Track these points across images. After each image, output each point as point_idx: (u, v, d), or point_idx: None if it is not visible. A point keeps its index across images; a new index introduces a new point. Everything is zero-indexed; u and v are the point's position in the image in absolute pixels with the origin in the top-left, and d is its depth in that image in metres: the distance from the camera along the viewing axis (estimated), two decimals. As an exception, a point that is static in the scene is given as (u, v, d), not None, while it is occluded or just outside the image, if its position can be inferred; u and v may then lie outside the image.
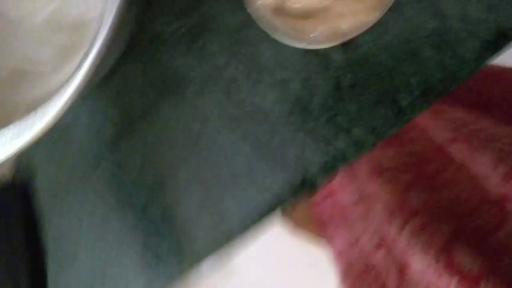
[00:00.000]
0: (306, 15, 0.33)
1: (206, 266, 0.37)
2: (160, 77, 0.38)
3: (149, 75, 0.39)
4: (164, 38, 0.38)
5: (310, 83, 0.37)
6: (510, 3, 0.35)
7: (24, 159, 0.43)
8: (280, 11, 0.33)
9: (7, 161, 0.34)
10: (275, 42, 0.38)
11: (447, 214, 0.38)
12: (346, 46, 0.37)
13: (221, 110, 0.38)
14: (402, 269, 0.38)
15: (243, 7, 0.38)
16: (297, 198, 0.36)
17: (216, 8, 0.38)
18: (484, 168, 0.38)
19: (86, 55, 0.26)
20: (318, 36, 0.32)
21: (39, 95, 0.36)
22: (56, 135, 0.40)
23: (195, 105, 0.38)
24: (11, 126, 0.29)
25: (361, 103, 0.37)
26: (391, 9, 0.36)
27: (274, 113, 0.38)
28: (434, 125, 0.46)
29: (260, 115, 0.38)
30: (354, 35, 0.31)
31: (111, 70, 0.37)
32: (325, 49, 0.37)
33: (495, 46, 0.36)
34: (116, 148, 0.39)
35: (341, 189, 0.51)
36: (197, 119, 0.38)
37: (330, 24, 0.32)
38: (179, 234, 0.39)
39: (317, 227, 0.55)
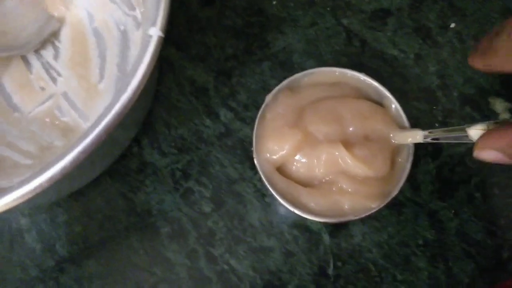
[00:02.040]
0: (308, 182, 0.32)
1: None
2: (139, 206, 0.36)
3: (127, 201, 0.36)
4: (154, 169, 0.37)
5: (293, 259, 0.35)
6: (507, 232, 0.35)
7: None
8: (284, 170, 0.32)
9: None
10: (267, 206, 0.36)
11: None
12: (339, 230, 0.35)
13: (190, 261, 0.35)
14: None
15: (243, 160, 0.37)
16: None
17: (218, 154, 0.37)
18: None
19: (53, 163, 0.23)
20: (315, 207, 0.30)
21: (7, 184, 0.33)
22: (7, 233, 0.36)
23: (166, 246, 0.35)
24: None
25: (344, 298, 0.34)
26: (390, 206, 0.36)
27: (246, 282, 0.34)
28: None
29: (232, 279, 0.35)
30: (352, 217, 0.30)
31: (87, 185, 0.35)
32: (317, 226, 0.35)
33: (492, 277, 0.35)
34: (66, 270, 0.35)
35: None
36: (161, 265, 0.35)
37: (330, 198, 0.31)
38: None
39: None
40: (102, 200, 0.36)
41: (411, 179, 0.36)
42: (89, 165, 0.31)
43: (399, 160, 0.31)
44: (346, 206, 0.31)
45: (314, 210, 0.31)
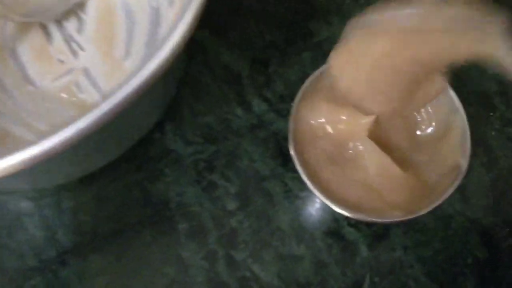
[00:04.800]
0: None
1: None
2: (156, 198, 0.33)
3: (143, 191, 0.33)
4: (176, 158, 0.33)
5: (325, 270, 0.31)
6: None
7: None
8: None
9: None
10: (299, 208, 0.33)
11: None
12: (379, 242, 0.32)
13: (209, 263, 0.31)
14: None
15: (275, 155, 0.33)
16: None
17: (248, 146, 0.34)
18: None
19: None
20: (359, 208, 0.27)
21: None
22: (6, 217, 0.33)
23: (182, 245, 0.32)
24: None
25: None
26: (437, 218, 0.32)
27: (271, 291, 0.31)
28: None
29: (253, 287, 0.31)
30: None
31: (100, 170, 0.32)
32: (354, 236, 0.32)
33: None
34: (68, 263, 0.31)
35: None
36: (176, 265, 0.31)
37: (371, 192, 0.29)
38: None
39: None
40: (115, 188, 0.33)
41: (462, 189, 0.33)
42: (102, 143, 0.28)
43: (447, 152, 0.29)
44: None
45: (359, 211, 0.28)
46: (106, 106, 0.21)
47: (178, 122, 0.34)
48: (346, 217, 0.32)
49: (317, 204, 0.33)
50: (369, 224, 0.32)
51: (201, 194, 0.33)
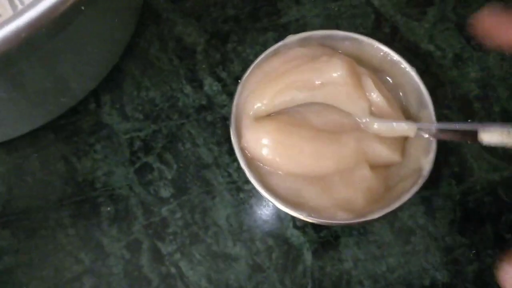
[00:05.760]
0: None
1: None
2: (81, 175, 0.29)
3: (68, 166, 0.29)
4: (110, 134, 0.30)
5: (261, 276, 0.28)
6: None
7: None
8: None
9: None
10: (240, 203, 0.29)
11: None
12: (326, 251, 0.28)
13: (130, 254, 0.28)
14: None
15: (222, 142, 0.30)
16: None
17: (192, 129, 0.30)
18: None
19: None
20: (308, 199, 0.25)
21: None
22: None
23: (103, 230, 0.28)
24: None
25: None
26: (396, 232, 0.29)
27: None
28: None
29: (178, 286, 0.27)
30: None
31: (23, 138, 0.28)
32: (299, 240, 0.28)
33: None
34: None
35: None
36: (93, 252, 0.28)
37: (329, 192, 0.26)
38: None
39: None
40: (38, 160, 0.29)
41: (426, 202, 0.29)
42: (23, 103, 0.25)
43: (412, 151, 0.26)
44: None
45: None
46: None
47: (118, 94, 0.31)
48: (292, 218, 0.29)
49: (262, 201, 0.29)
50: (317, 228, 0.29)
51: (133, 177, 0.29)
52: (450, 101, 0.32)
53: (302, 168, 0.26)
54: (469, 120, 0.31)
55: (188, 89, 0.31)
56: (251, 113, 0.27)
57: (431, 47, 0.33)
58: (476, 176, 0.30)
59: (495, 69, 0.32)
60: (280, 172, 0.26)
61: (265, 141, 0.26)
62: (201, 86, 0.31)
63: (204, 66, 0.32)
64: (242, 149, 0.26)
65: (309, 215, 0.24)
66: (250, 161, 0.26)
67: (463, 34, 0.33)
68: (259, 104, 0.27)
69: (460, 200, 0.30)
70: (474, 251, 0.29)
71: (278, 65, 0.27)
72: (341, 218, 0.25)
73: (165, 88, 0.31)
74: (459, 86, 0.32)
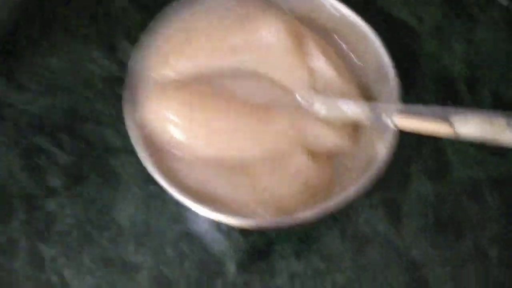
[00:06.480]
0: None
1: None
2: None
3: None
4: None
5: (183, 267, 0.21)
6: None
7: None
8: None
9: None
10: (151, 197, 0.23)
11: None
12: (254, 262, 0.22)
13: (3, 255, 0.22)
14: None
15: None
16: None
17: (98, 104, 0.25)
18: None
19: None
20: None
21: None
22: None
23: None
24: None
25: None
26: (348, 240, 0.22)
27: None
28: None
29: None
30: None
31: None
32: (220, 247, 0.23)
33: None
34: None
35: None
36: None
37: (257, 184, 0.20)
38: None
39: None
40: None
41: (390, 203, 0.23)
42: None
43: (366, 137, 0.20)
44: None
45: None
46: None
47: (11, 60, 0.25)
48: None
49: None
50: (245, 232, 0.23)
51: (15, 159, 0.24)
52: (426, 80, 0.25)
53: (214, 151, 0.20)
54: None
55: (96, 54, 0.25)
56: (154, 80, 0.21)
57: (407, 17, 0.27)
58: (455, 173, 0.24)
59: (486, 44, 0.26)
60: (188, 157, 0.20)
61: (168, 114, 0.20)
62: (114, 52, 0.25)
63: (121, 28, 0.26)
64: (140, 126, 0.20)
65: (215, 211, 0.18)
66: (149, 142, 0.20)
67: (449, 2, 0.27)
68: (166, 69, 0.21)
69: (434, 203, 0.23)
70: (449, 268, 0.22)
71: (194, 19, 0.22)
72: (261, 216, 0.19)
73: (70, 55, 0.26)
74: (441, 63, 0.26)
